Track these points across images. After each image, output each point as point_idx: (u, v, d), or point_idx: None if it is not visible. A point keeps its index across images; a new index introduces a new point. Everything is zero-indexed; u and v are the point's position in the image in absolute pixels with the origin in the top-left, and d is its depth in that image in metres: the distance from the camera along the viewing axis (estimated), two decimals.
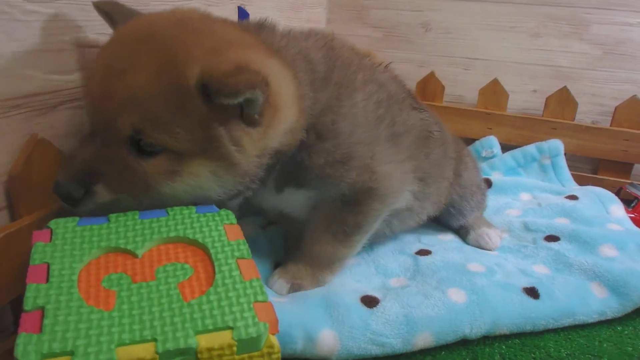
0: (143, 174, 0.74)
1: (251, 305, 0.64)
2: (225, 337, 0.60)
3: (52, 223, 0.73)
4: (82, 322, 0.59)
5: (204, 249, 0.74)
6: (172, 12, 0.79)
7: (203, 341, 0.59)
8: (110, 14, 0.81)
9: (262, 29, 0.88)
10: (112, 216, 0.76)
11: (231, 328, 0.61)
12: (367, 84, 0.96)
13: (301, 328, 0.84)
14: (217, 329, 0.61)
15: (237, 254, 0.73)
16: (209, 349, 0.59)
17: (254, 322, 0.62)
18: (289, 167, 0.89)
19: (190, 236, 0.75)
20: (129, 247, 0.72)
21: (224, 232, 0.77)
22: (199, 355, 0.59)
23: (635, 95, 1.65)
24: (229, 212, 0.81)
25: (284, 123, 0.82)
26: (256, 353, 0.63)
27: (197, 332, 0.60)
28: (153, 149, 0.73)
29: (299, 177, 0.91)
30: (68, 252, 0.68)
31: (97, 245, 0.71)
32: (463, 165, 1.28)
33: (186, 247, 0.74)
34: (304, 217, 1.03)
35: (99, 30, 0.89)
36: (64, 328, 0.58)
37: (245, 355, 0.62)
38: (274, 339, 0.64)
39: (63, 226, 0.73)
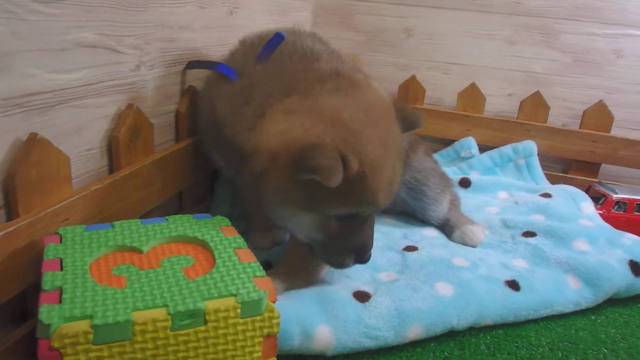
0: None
1: (251, 279, 0.70)
2: (230, 301, 0.66)
3: (61, 230, 0.78)
4: (98, 296, 0.63)
5: (203, 244, 0.80)
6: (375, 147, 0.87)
7: (210, 304, 0.64)
8: None
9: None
10: (116, 223, 0.82)
11: (234, 295, 0.66)
12: None
13: (298, 324, 0.86)
14: (221, 296, 0.66)
15: (234, 244, 0.80)
16: (216, 311, 0.64)
17: (254, 290, 0.68)
18: None
19: (190, 234, 0.81)
20: (135, 245, 0.77)
21: (220, 231, 0.83)
22: (207, 317, 0.64)
23: (601, 100, 1.75)
24: (223, 217, 0.88)
25: None
26: (258, 317, 0.68)
27: (204, 299, 0.65)
28: None
29: None
30: (78, 250, 0.73)
31: (105, 244, 0.76)
32: (413, 153, 1.36)
33: (187, 245, 0.80)
34: None
35: (101, 31, 0.90)
36: (82, 299, 0.62)
37: (249, 319, 0.67)
38: (273, 306, 0.69)
39: (72, 232, 0.78)
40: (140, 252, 0.76)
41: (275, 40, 1.01)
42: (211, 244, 0.78)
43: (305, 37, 1.07)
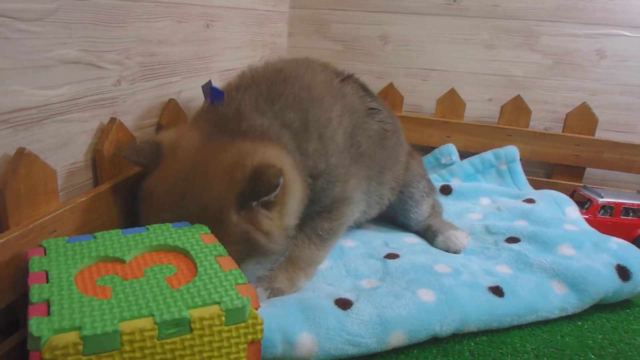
0: None
1: (233, 287, 0.72)
2: (214, 309, 0.67)
3: (44, 242, 0.79)
4: (85, 307, 0.65)
5: (184, 252, 0.80)
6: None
7: (195, 313, 0.66)
8: None
9: (239, 119, 0.98)
10: (98, 234, 0.83)
11: (218, 303, 0.68)
12: (342, 118, 1.10)
13: (280, 332, 0.87)
14: (205, 305, 0.68)
15: (215, 252, 0.80)
16: (201, 319, 0.66)
17: (237, 297, 0.69)
18: None
19: (171, 243, 0.81)
20: (117, 254, 0.78)
21: (200, 239, 0.83)
22: (192, 325, 0.66)
23: (584, 102, 1.72)
24: (203, 225, 0.87)
25: (294, 195, 0.97)
26: (242, 324, 0.69)
27: (189, 308, 0.67)
28: None
29: None
30: (62, 262, 0.74)
31: (88, 255, 0.77)
32: (412, 156, 1.40)
33: (168, 253, 0.81)
34: None
35: (83, 47, 0.93)
36: (70, 311, 0.63)
37: (233, 327, 0.69)
38: (256, 312, 0.71)
39: (55, 244, 0.79)
40: (123, 262, 0.77)
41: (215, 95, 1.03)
42: (192, 253, 0.79)
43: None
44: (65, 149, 0.93)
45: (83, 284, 0.71)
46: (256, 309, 0.71)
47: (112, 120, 1.03)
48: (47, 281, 0.70)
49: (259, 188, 0.87)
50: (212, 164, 0.91)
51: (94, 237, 0.82)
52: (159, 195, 0.91)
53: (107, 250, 0.78)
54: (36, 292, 0.67)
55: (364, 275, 1.12)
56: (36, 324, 0.60)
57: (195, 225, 0.87)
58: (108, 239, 0.82)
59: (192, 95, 1.33)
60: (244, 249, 0.89)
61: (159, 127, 1.19)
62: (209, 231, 0.86)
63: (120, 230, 0.85)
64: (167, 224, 0.87)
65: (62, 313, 0.63)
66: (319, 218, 1.09)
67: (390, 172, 1.27)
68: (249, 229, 0.89)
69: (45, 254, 0.76)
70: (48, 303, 0.65)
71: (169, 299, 0.68)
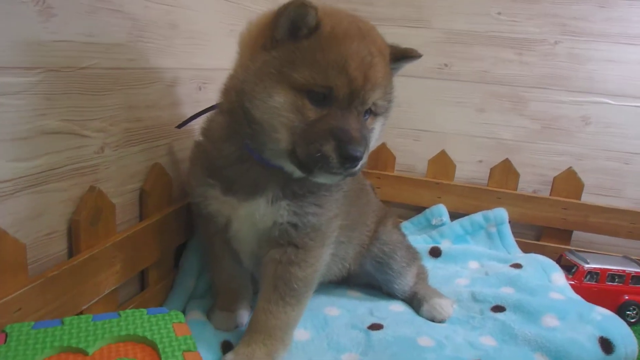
0: (369, 131, 0.95)
1: None
2: None
3: (8, 327, 0.76)
4: None
5: (152, 345, 0.78)
6: (347, 16, 0.96)
7: None
8: None
9: None
10: (67, 319, 0.80)
11: None
12: None
13: None
14: None
15: (183, 347, 0.78)
16: None
17: None
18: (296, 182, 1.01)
19: (140, 334, 0.79)
20: (81, 345, 0.75)
21: (172, 330, 0.82)
22: None
23: (570, 167, 1.77)
24: (178, 312, 0.86)
25: None
26: None
27: None
28: (374, 113, 0.97)
29: (297, 189, 1.02)
30: (21, 352, 0.72)
31: (50, 346, 0.74)
32: (382, 226, 1.37)
33: (135, 345, 0.79)
34: (254, 248, 1.09)
35: (65, 117, 0.91)
36: None
37: None
38: None
39: (18, 330, 0.76)
40: (86, 354, 0.74)
41: None
42: (160, 346, 0.77)
43: None
44: (40, 219, 0.89)
45: None
46: None
47: (92, 188, 0.98)
48: None
49: None
50: None
51: (62, 322, 0.80)
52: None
53: (71, 340, 0.76)
54: None
55: (345, 348, 1.12)
56: None
57: (170, 312, 0.86)
58: (76, 326, 0.79)
59: (180, 157, 1.30)
60: None
61: (142, 193, 1.16)
62: (183, 319, 0.85)
63: (91, 315, 0.83)
64: (142, 309, 0.85)
65: None
66: (292, 266, 1.04)
67: (358, 232, 1.28)
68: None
69: (5, 341, 0.73)
70: None
71: None
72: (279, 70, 0.88)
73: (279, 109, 0.89)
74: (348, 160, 0.86)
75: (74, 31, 0.89)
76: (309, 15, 0.87)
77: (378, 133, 1.02)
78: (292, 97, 0.88)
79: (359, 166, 0.88)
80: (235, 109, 0.94)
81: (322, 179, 0.92)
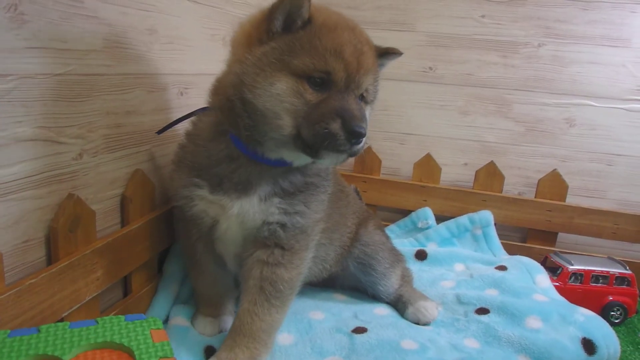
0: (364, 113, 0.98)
1: None
2: None
3: None
4: None
5: (129, 352, 0.78)
6: (334, 12, 1.02)
7: None
8: None
9: None
10: (43, 327, 0.80)
11: None
12: None
13: None
14: None
15: (160, 353, 0.78)
16: None
17: None
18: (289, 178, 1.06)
19: (117, 340, 0.79)
20: (57, 353, 0.74)
21: (149, 336, 0.81)
22: None
23: (555, 169, 1.77)
24: (156, 318, 0.86)
25: None
26: None
27: None
28: (364, 101, 1.02)
29: (287, 186, 1.06)
30: None
31: (25, 354, 0.73)
32: (363, 227, 1.39)
33: (112, 352, 0.78)
34: (238, 250, 1.10)
35: (41, 124, 0.90)
36: None
37: None
38: None
39: None
40: None
41: None
42: (136, 352, 0.77)
43: None
44: (16, 227, 0.88)
45: None
46: None
47: (70, 196, 0.98)
48: None
49: None
50: None
51: (39, 330, 0.79)
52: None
53: (47, 348, 0.75)
54: None
55: (329, 352, 1.12)
56: None
57: (148, 319, 0.85)
58: (52, 334, 0.78)
59: (162, 163, 1.29)
60: None
61: (123, 198, 1.16)
62: (161, 326, 0.84)
63: (68, 322, 0.82)
64: (120, 316, 0.85)
65: None
66: (278, 268, 1.06)
67: (338, 233, 1.30)
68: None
69: None
70: None
71: None
72: (278, 59, 0.93)
73: (281, 95, 0.93)
74: (354, 135, 0.90)
75: (47, 37, 0.88)
76: (304, 7, 0.92)
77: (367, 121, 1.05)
78: (293, 83, 0.93)
79: (362, 143, 0.93)
80: (230, 105, 0.97)
81: (328, 158, 0.95)
